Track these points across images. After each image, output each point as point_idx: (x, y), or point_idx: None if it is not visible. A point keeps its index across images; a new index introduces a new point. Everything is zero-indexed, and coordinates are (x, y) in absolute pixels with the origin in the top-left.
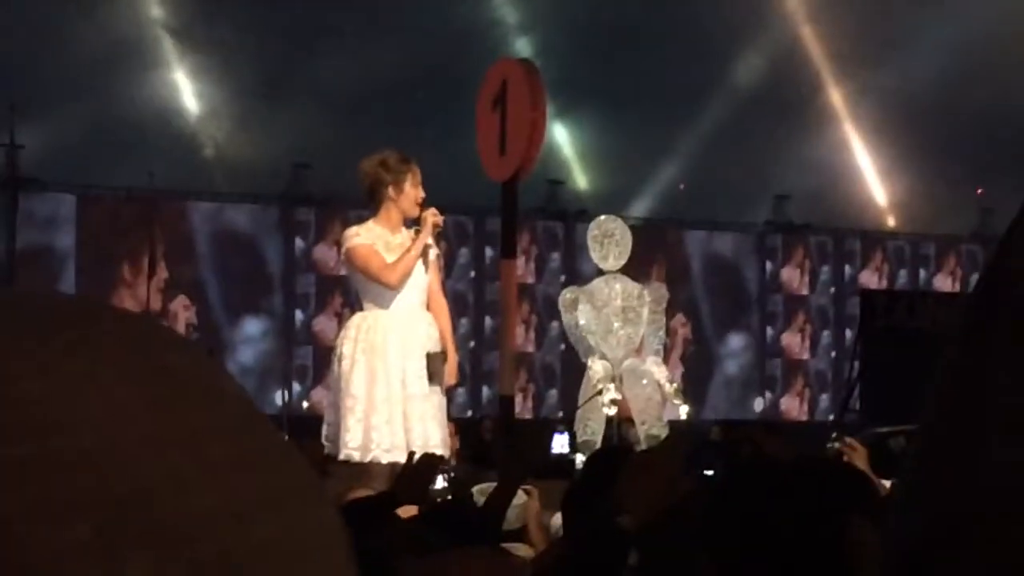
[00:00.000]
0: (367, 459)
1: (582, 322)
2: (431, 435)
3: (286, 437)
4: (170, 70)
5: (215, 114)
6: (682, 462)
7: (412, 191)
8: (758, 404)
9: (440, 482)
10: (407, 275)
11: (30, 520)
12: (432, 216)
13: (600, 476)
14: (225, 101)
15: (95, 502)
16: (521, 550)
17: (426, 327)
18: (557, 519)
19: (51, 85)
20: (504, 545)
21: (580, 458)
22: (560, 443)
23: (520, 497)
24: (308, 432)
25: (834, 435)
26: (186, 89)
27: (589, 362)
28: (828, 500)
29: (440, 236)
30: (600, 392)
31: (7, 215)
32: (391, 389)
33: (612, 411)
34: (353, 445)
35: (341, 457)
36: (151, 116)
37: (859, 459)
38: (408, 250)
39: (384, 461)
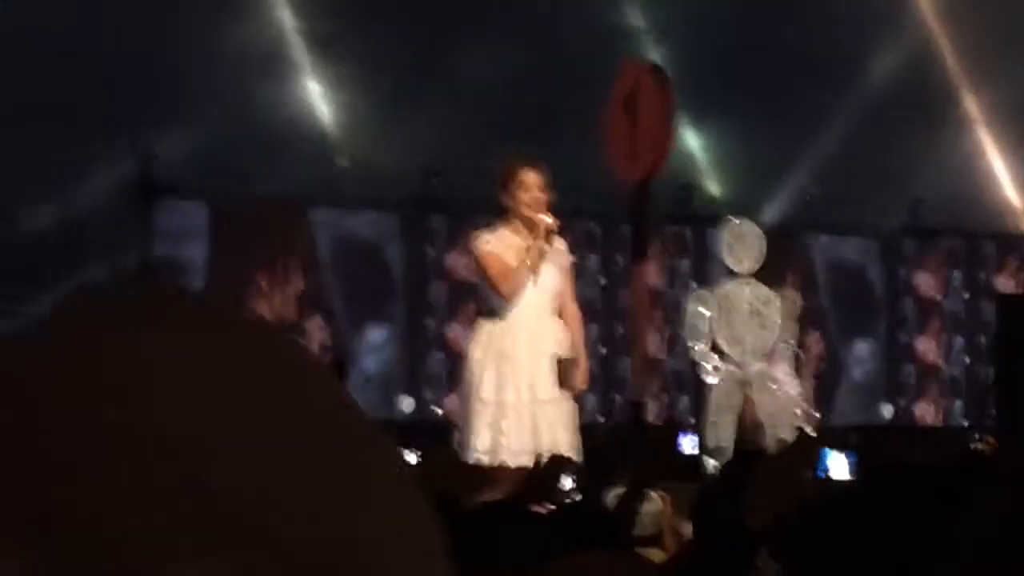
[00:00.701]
0: (496, 462)
1: (706, 326)
2: (560, 440)
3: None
4: (304, 77)
5: (348, 122)
6: (812, 465)
7: (524, 195)
8: (887, 410)
9: (568, 483)
10: (519, 285)
11: (130, 507)
12: (542, 221)
13: (732, 480)
14: (358, 109)
15: (190, 493)
16: (656, 556)
17: (555, 333)
18: (690, 526)
19: (185, 94)
20: (638, 550)
21: (711, 463)
22: (688, 444)
23: (655, 502)
24: (439, 437)
25: (976, 436)
26: (320, 96)
27: (695, 347)
28: (962, 499)
29: (571, 241)
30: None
31: (141, 224)
32: (520, 394)
33: (712, 379)
34: (482, 448)
35: (471, 461)
36: (285, 124)
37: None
38: (523, 260)
39: (513, 465)
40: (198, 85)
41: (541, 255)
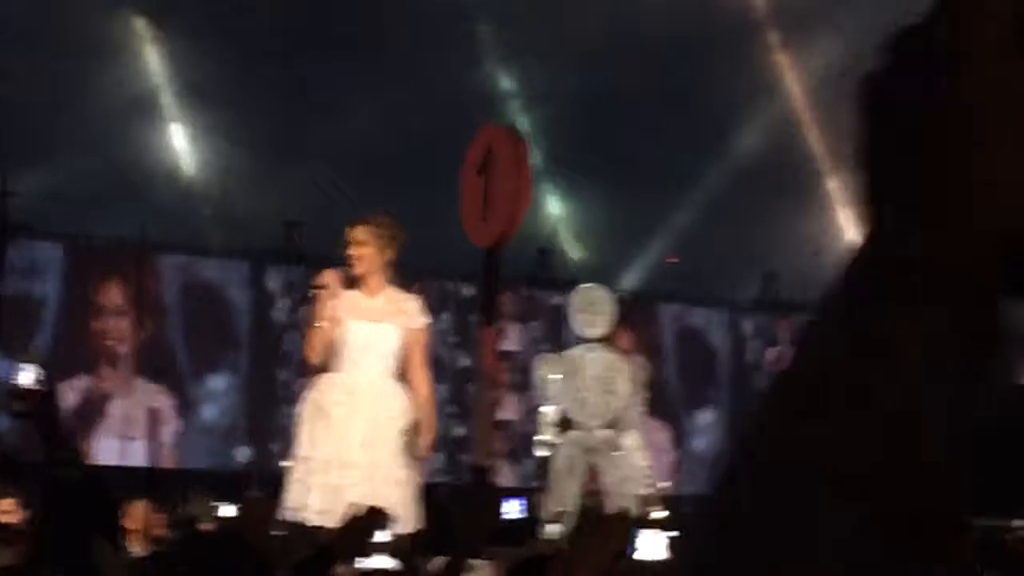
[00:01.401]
0: (301, 520)
1: (553, 391)
2: (380, 503)
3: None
4: (172, 124)
5: (213, 170)
6: (624, 543)
7: (347, 253)
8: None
9: (384, 536)
10: (315, 346)
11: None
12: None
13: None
14: (223, 158)
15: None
16: None
17: (386, 395)
18: None
19: (50, 134)
20: None
21: (552, 528)
22: (511, 508)
23: (479, 571)
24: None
25: None
26: (186, 143)
27: (544, 413)
28: None
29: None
30: (549, 445)
31: None
32: (331, 452)
33: (543, 453)
34: (291, 505)
35: (282, 516)
36: (149, 170)
37: None
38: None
39: (317, 524)
40: (65, 126)
41: (316, 312)
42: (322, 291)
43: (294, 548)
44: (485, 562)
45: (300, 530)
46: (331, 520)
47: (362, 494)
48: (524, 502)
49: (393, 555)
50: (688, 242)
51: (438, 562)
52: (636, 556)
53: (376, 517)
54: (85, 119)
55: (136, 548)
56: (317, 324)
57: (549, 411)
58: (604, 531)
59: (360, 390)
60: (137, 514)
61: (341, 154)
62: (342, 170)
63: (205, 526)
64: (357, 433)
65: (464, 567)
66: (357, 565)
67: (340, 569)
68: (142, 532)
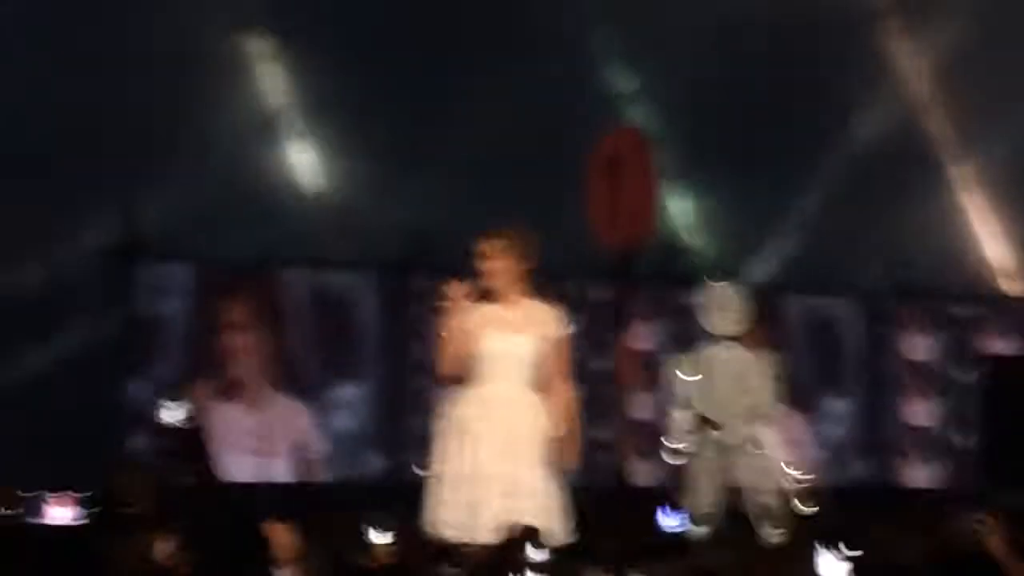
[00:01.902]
0: (437, 535)
1: (687, 391)
2: (519, 517)
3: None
4: (294, 142)
5: (337, 186)
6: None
7: (478, 266)
8: (863, 470)
9: (537, 555)
10: (448, 358)
11: None
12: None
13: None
14: (347, 174)
15: None
16: None
17: (526, 407)
18: None
19: (174, 156)
20: None
21: (697, 530)
22: (667, 522)
23: None
24: (410, 500)
25: (976, 518)
26: (308, 161)
27: (676, 418)
28: None
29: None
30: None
31: (125, 285)
32: (464, 466)
33: (672, 460)
34: (427, 521)
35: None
36: (274, 187)
37: (997, 536)
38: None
39: (452, 539)
40: (187, 146)
41: (444, 324)
42: (450, 303)
43: (443, 569)
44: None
45: (445, 549)
46: (470, 536)
47: (502, 509)
48: (683, 516)
49: (549, 572)
50: (815, 232)
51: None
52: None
53: (529, 534)
54: (208, 140)
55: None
56: (446, 335)
57: (681, 416)
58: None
59: (497, 403)
60: (279, 538)
61: (466, 160)
62: (467, 175)
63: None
64: (495, 446)
65: None
66: None
67: None
68: (286, 558)
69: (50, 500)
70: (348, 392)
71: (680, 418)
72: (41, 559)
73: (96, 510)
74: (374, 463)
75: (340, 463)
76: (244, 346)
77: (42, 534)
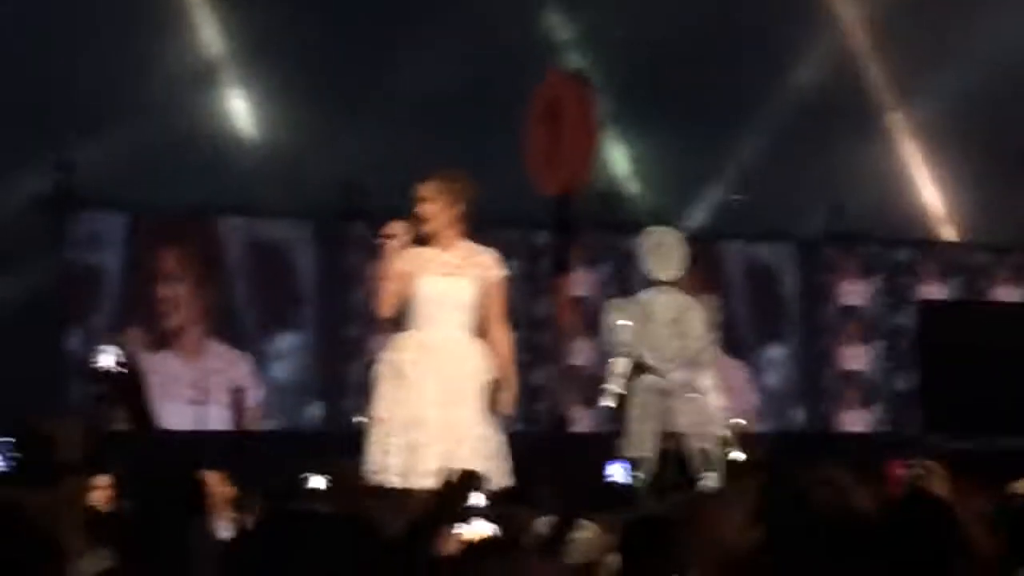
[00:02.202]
0: (381, 482)
1: (624, 335)
2: (458, 463)
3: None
4: (230, 89)
5: (273, 133)
6: (751, 513)
7: (416, 210)
8: (799, 416)
9: (479, 500)
10: (387, 299)
11: None
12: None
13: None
14: (282, 121)
15: None
16: None
17: (463, 351)
18: (615, 559)
19: (108, 105)
20: None
21: (636, 476)
22: (619, 472)
23: (588, 530)
24: (349, 447)
25: (911, 463)
26: (244, 108)
27: (613, 363)
28: (921, 552)
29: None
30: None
31: (57, 234)
32: (407, 412)
33: (610, 403)
34: (373, 467)
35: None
36: (208, 135)
37: (938, 480)
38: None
39: (398, 486)
40: (122, 96)
41: (385, 265)
42: (390, 242)
43: (383, 515)
44: (592, 523)
45: (384, 494)
46: (412, 481)
47: (441, 453)
48: (629, 466)
49: (490, 518)
50: (752, 178)
51: (542, 523)
52: None
53: (469, 479)
54: (144, 89)
55: (219, 525)
56: (386, 277)
57: (617, 362)
58: (732, 493)
59: (435, 347)
60: (214, 487)
61: (406, 108)
62: (405, 123)
63: (296, 503)
64: (433, 391)
65: (572, 528)
66: (456, 531)
67: (441, 538)
68: (221, 507)
69: None
70: (286, 341)
71: (617, 363)
72: None
73: (16, 456)
74: (314, 412)
75: (279, 412)
76: (179, 296)
77: None
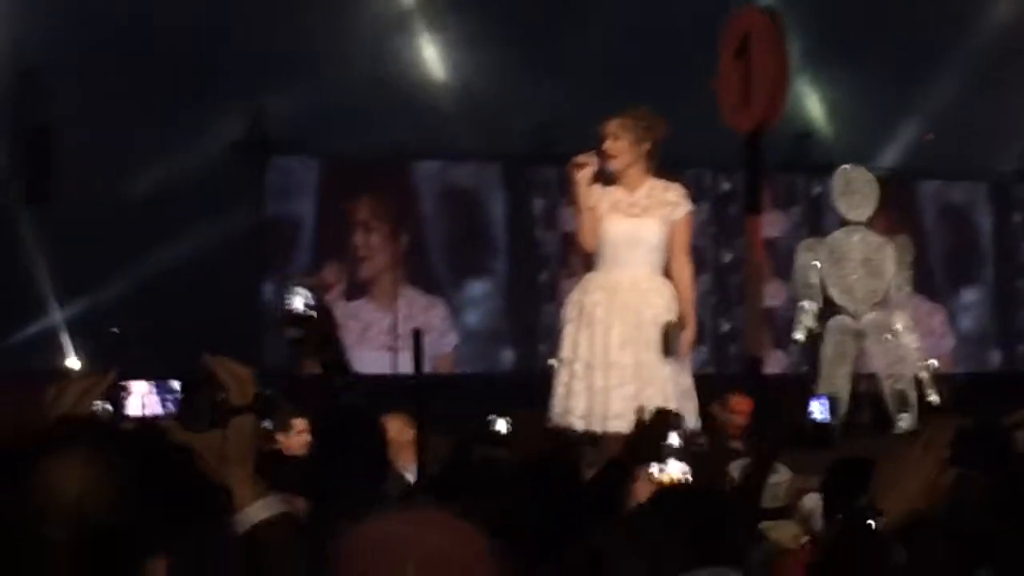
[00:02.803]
0: (566, 424)
1: (815, 276)
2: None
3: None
4: (419, 35)
5: (462, 78)
6: (943, 459)
7: (602, 147)
8: (996, 358)
9: (676, 439)
10: (582, 234)
11: None
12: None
13: (848, 482)
14: (471, 65)
15: None
16: (790, 528)
17: (651, 291)
18: (811, 500)
19: (296, 53)
20: (767, 524)
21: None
22: (818, 409)
23: (782, 473)
24: (542, 392)
25: None
26: (433, 53)
27: (806, 310)
28: None
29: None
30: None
31: (253, 181)
32: (594, 354)
33: (800, 336)
34: (558, 410)
35: (553, 423)
36: (398, 81)
37: None
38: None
39: (580, 429)
40: (311, 44)
41: (580, 196)
42: (579, 173)
43: (567, 456)
44: (783, 466)
45: (567, 437)
46: (595, 424)
47: (627, 396)
48: (826, 401)
49: (684, 459)
50: (945, 116)
51: (736, 466)
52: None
53: (666, 418)
54: (337, 36)
55: (402, 468)
56: (581, 208)
57: (809, 304)
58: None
59: (622, 288)
60: (398, 431)
61: (594, 50)
62: (595, 65)
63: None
64: (618, 333)
65: (767, 471)
66: (652, 471)
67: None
68: (404, 451)
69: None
70: (478, 288)
71: (809, 305)
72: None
73: (182, 398)
74: (507, 357)
75: (473, 359)
76: (373, 244)
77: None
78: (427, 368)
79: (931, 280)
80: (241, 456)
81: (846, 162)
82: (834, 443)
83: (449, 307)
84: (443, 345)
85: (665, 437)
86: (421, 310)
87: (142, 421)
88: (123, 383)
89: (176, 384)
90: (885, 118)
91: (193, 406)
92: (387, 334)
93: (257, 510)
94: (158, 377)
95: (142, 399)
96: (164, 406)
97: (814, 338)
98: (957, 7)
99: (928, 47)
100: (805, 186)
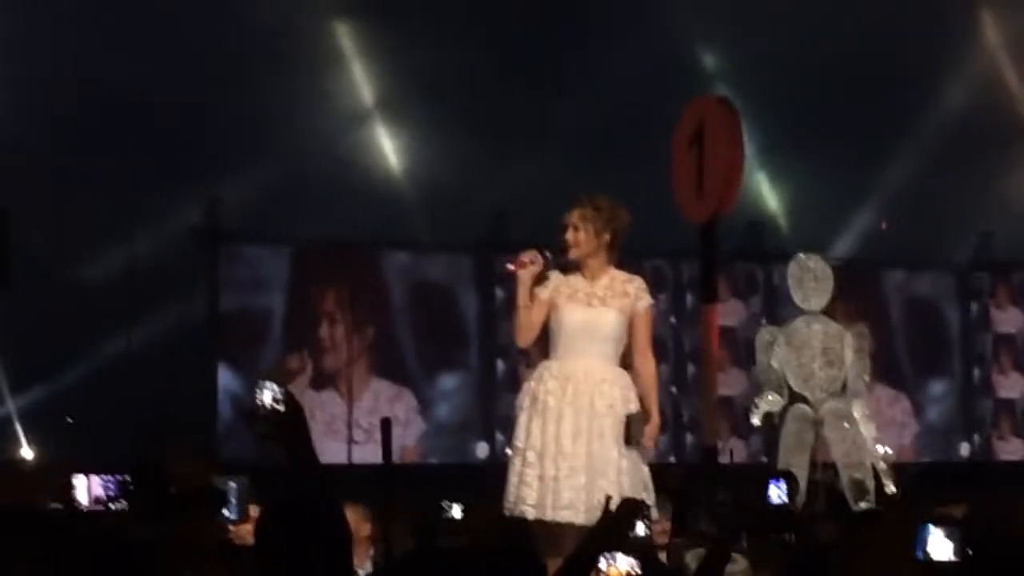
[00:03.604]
0: (518, 514)
1: (775, 364)
2: (595, 497)
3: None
4: (375, 124)
5: (418, 166)
6: (906, 546)
7: (564, 237)
8: (964, 449)
9: (642, 530)
10: (519, 328)
11: None
12: (514, 259)
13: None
14: (427, 154)
15: None
16: None
17: (607, 381)
18: None
19: (252, 141)
20: None
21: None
22: (777, 493)
23: (739, 563)
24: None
25: None
26: (390, 143)
27: (766, 397)
28: None
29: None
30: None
31: (209, 269)
32: (546, 444)
33: (756, 420)
34: (510, 499)
35: (506, 512)
36: (353, 170)
37: None
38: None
39: (531, 518)
40: (266, 132)
41: (520, 294)
42: (521, 271)
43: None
44: (740, 555)
45: (520, 527)
46: (547, 514)
47: (578, 485)
48: (781, 484)
49: (635, 551)
50: (900, 205)
51: (692, 555)
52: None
53: (636, 508)
54: (293, 126)
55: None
56: (519, 305)
57: (768, 390)
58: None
59: (576, 378)
60: (356, 523)
61: (553, 140)
62: (555, 154)
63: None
64: (571, 423)
65: (728, 560)
66: (600, 566)
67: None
68: (360, 543)
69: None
70: (449, 381)
71: (768, 392)
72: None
73: (131, 490)
74: (481, 450)
75: (445, 451)
76: (339, 335)
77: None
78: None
79: (896, 369)
80: (191, 548)
81: (801, 250)
82: (794, 526)
83: (418, 398)
84: (406, 437)
85: (632, 527)
86: (387, 401)
87: (92, 515)
88: (72, 476)
89: (126, 478)
90: (839, 207)
91: (144, 498)
92: (349, 426)
93: None
94: (108, 471)
95: (92, 491)
96: (115, 498)
97: (772, 424)
98: (911, 96)
99: (881, 136)
100: (764, 275)
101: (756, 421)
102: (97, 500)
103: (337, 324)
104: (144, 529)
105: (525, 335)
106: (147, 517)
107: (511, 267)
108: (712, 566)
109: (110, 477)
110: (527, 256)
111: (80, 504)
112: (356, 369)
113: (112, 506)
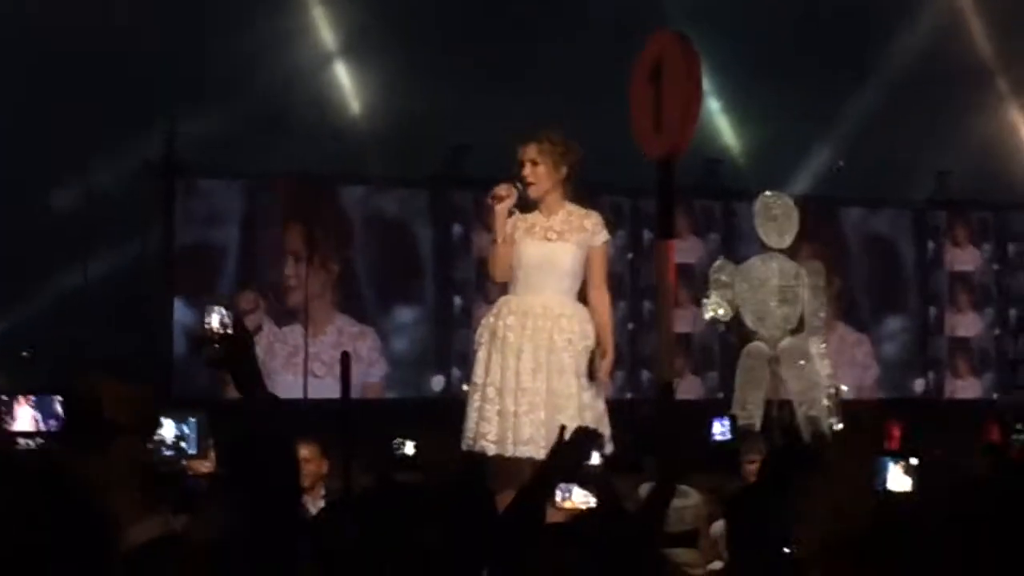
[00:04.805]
0: (477, 449)
1: (731, 300)
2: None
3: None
4: (333, 57)
5: (375, 100)
6: (865, 480)
7: (519, 172)
8: (919, 385)
9: (597, 459)
10: (495, 262)
11: None
12: (492, 192)
13: (775, 485)
14: (385, 86)
15: None
16: (689, 555)
17: (565, 316)
18: (718, 526)
19: (211, 75)
20: (669, 549)
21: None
22: (720, 430)
23: (690, 497)
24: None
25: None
26: (347, 75)
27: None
28: None
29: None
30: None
31: (166, 203)
32: (506, 378)
33: (710, 313)
34: (468, 434)
35: (463, 447)
36: (310, 103)
37: None
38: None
39: (491, 453)
40: (226, 66)
41: (497, 227)
42: (498, 204)
43: (472, 481)
44: (692, 489)
45: (477, 461)
46: (507, 449)
47: (538, 421)
48: (727, 422)
49: (590, 483)
50: (858, 143)
51: (644, 489)
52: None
53: (590, 438)
54: (255, 64)
55: (310, 498)
56: (498, 240)
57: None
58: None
59: (534, 313)
60: (309, 460)
61: (506, 73)
62: (512, 89)
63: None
64: (530, 358)
65: (674, 494)
66: (555, 498)
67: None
68: (314, 480)
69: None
70: (406, 314)
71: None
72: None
73: (64, 416)
74: (437, 383)
75: (402, 384)
76: (303, 273)
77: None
78: (355, 394)
79: (857, 309)
80: (123, 477)
81: (760, 188)
82: (736, 461)
83: (379, 335)
84: (371, 375)
85: (588, 456)
86: (350, 339)
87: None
88: (6, 398)
89: (58, 400)
90: (798, 144)
91: (78, 426)
92: (310, 360)
93: (137, 532)
94: (41, 393)
95: (24, 415)
96: (48, 424)
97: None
98: (871, 34)
99: (842, 75)
100: (723, 213)
101: (707, 315)
102: (30, 423)
103: (300, 261)
104: (75, 453)
105: (503, 270)
106: (79, 442)
107: (490, 201)
108: (656, 501)
109: (44, 399)
110: (502, 189)
111: (10, 426)
112: (320, 304)
113: (43, 427)
